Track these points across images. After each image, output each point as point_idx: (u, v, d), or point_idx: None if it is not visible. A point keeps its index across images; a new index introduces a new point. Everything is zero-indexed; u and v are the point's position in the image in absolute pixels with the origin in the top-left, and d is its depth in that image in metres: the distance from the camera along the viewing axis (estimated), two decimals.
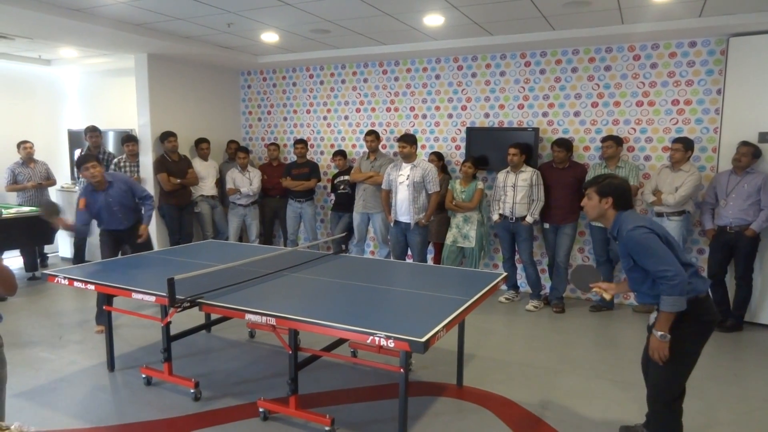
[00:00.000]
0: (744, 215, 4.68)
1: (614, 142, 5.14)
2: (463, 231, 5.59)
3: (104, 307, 3.81)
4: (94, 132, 6.37)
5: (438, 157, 6.04)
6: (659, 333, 2.45)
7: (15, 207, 6.26)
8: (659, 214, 5.04)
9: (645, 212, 5.48)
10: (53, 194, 7.15)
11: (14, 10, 4.38)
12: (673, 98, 5.32)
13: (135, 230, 4.66)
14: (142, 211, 4.75)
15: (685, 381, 2.58)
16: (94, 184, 4.45)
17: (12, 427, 0.81)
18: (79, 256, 6.46)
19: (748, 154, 4.66)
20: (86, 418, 3.20)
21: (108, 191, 4.50)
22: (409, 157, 5.30)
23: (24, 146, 6.53)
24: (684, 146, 4.89)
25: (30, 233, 6.00)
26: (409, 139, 5.28)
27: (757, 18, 4.53)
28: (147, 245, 4.77)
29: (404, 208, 5.34)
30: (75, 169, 6.69)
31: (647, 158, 5.47)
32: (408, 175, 5.28)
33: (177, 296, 2.97)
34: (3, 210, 5.80)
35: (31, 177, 6.56)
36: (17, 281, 2.01)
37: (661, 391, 2.58)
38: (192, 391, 3.44)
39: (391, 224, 5.54)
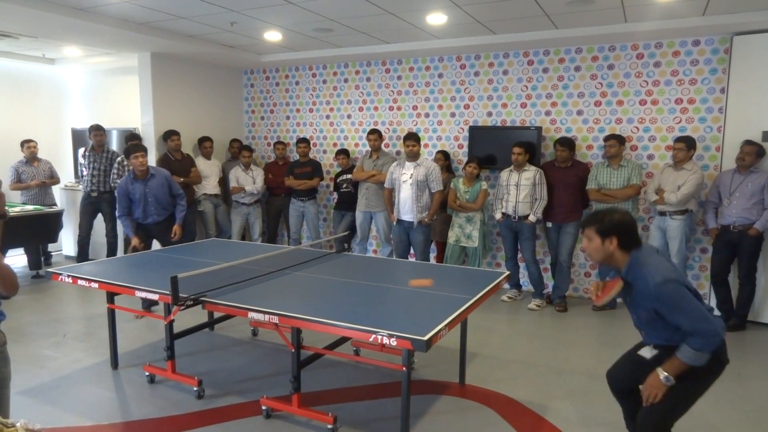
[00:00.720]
0: (747, 214, 4.67)
1: (617, 141, 5.14)
2: (466, 231, 5.59)
3: (107, 305, 3.83)
4: (98, 131, 6.38)
5: (444, 156, 6.04)
6: (665, 375, 2.26)
7: (19, 205, 6.29)
8: (662, 213, 5.03)
9: (648, 211, 5.47)
10: (57, 192, 7.17)
11: (19, 9, 4.40)
12: (677, 97, 5.31)
13: (165, 226, 4.92)
14: (176, 211, 4.99)
15: (680, 415, 2.38)
16: (138, 173, 4.74)
17: (17, 424, 0.81)
18: (82, 254, 6.48)
19: (751, 153, 4.65)
20: (90, 416, 3.21)
21: (148, 182, 4.78)
22: (415, 156, 5.31)
23: (28, 145, 6.56)
24: (686, 145, 4.88)
25: (34, 232, 6.03)
26: (417, 138, 5.34)
27: (760, 16, 4.52)
28: (181, 240, 4.98)
29: (407, 206, 5.35)
30: (80, 167, 6.69)
31: (650, 157, 5.46)
32: (411, 174, 5.29)
33: (180, 294, 2.98)
34: (9, 209, 5.82)
35: (34, 176, 6.58)
36: (18, 280, 2.02)
37: (658, 423, 2.37)
38: (195, 389, 3.45)
39: (394, 223, 5.54)
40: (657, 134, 5.42)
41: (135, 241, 4.81)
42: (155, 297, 3.20)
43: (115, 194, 6.24)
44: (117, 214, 4.91)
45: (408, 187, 5.30)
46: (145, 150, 4.83)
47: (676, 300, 2.19)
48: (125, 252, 5.95)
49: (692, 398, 2.35)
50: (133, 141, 6.24)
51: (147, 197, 4.80)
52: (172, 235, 4.91)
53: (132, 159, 4.72)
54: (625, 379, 2.64)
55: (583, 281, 5.87)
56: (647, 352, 2.48)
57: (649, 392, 2.32)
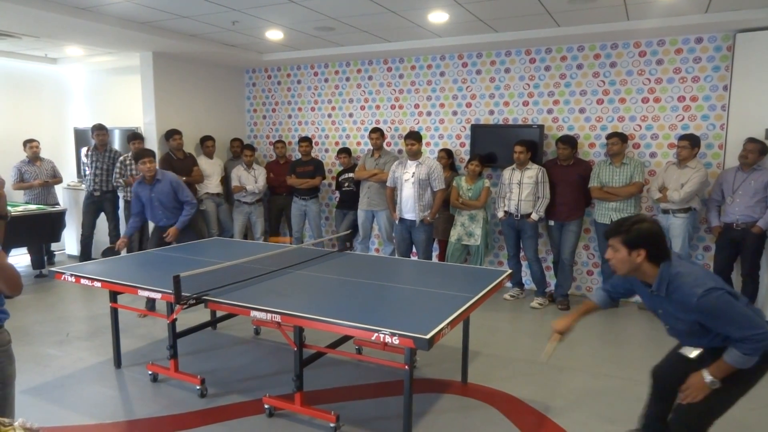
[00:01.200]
0: (750, 212, 4.66)
1: (619, 138, 5.13)
2: (469, 229, 5.59)
3: (110, 305, 3.84)
4: (101, 130, 6.40)
5: (448, 155, 6.03)
6: (710, 378, 2.17)
7: (22, 205, 6.30)
8: (665, 211, 5.02)
9: (650, 209, 5.46)
10: (60, 192, 7.19)
11: (21, 8, 4.40)
12: (679, 95, 5.29)
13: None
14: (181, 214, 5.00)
15: (713, 421, 2.29)
16: (145, 178, 4.84)
17: (15, 423, 0.81)
18: (85, 253, 6.50)
19: (754, 151, 4.63)
20: (93, 415, 3.22)
21: (154, 187, 4.84)
22: (416, 155, 5.31)
23: (30, 145, 6.57)
24: (691, 143, 4.87)
25: (37, 231, 6.04)
26: (417, 137, 5.32)
27: (763, 13, 4.50)
28: (184, 239, 4.97)
29: (409, 205, 5.34)
30: (83, 167, 6.72)
31: (653, 155, 5.45)
32: (413, 173, 5.29)
33: (183, 293, 2.98)
34: (12, 209, 5.83)
35: (37, 175, 6.59)
36: (22, 280, 2.02)
37: (693, 425, 2.29)
38: (198, 387, 3.46)
39: (396, 221, 5.54)
40: (659, 132, 5.41)
41: (121, 242, 4.84)
42: (158, 296, 3.20)
43: (118, 193, 6.31)
44: (132, 211, 5.04)
45: (410, 185, 5.29)
46: (152, 155, 4.89)
47: (722, 309, 2.08)
48: (110, 244, 6.14)
49: (733, 400, 2.24)
50: (135, 140, 6.27)
51: (153, 201, 4.86)
52: (165, 234, 4.87)
53: (139, 164, 4.79)
54: (669, 377, 2.52)
55: (586, 279, 5.86)
56: (690, 351, 2.37)
57: (689, 393, 2.21)
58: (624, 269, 2.23)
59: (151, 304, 4.72)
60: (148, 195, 4.85)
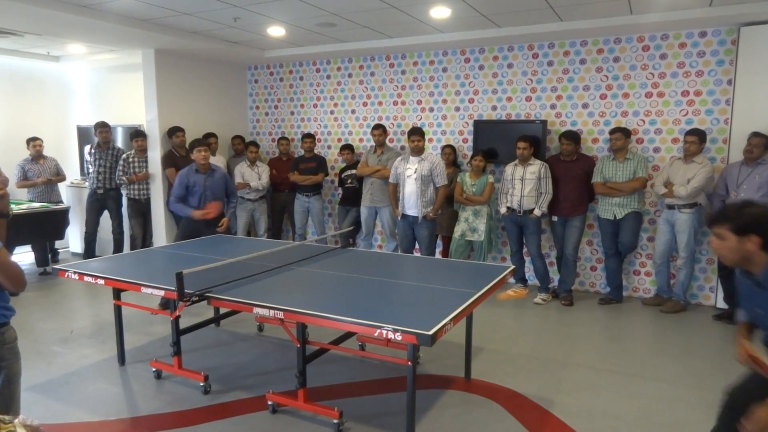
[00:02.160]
0: None
1: (622, 134, 5.10)
2: (473, 224, 5.58)
3: (114, 302, 3.85)
4: (104, 128, 6.42)
5: (452, 150, 6.02)
6: None
7: (26, 203, 6.32)
8: (671, 207, 5.00)
9: (654, 204, 5.44)
10: (63, 190, 7.21)
11: (24, 6, 4.40)
12: (683, 89, 5.26)
13: (211, 221, 4.97)
14: (227, 205, 5.16)
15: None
16: (200, 167, 4.89)
17: (15, 421, 0.81)
18: (89, 251, 6.52)
19: (759, 145, 4.61)
20: (97, 411, 3.23)
21: (209, 176, 4.92)
22: (420, 151, 5.29)
23: (33, 143, 6.58)
24: (699, 138, 4.85)
25: (41, 229, 6.06)
26: (422, 133, 5.31)
27: None
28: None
29: (412, 201, 5.34)
30: (86, 165, 6.73)
31: (656, 150, 5.42)
32: (416, 169, 5.28)
33: (186, 290, 2.99)
34: (15, 207, 5.85)
35: (41, 173, 6.61)
36: (26, 277, 2.03)
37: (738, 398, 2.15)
38: (201, 384, 3.47)
39: (399, 218, 5.54)
40: (663, 127, 5.38)
41: (199, 213, 4.84)
42: (161, 293, 3.21)
43: (122, 190, 6.29)
44: (171, 201, 5.01)
45: (412, 181, 5.29)
46: (207, 144, 4.98)
47: None
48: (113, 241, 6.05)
49: None
50: (137, 138, 6.28)
51: (206, 191, 4.91)
52: (220, 225, 5.01)
53: (195, 153, 4.86)
54: (743, 395, 2.21)
55: (589, 275, 5.85)
56: None
57: (754, 426, 1.94)
58: (732, 258, 2.04)
59: (164, 301, 4.66)
60: (203, 184, 4.90)
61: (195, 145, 4.93)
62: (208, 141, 5.10)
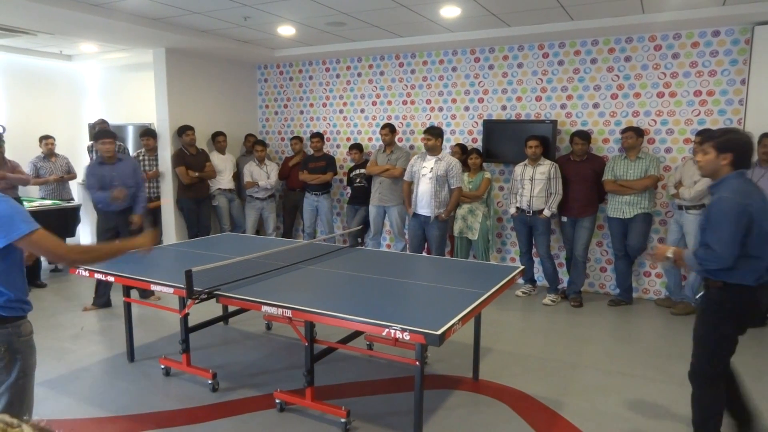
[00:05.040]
0: None
1: (634, 132, 5.06)
2: (468, 222, 5.57)
3: (123, 299, 3.88)
4: (103, 123, 6.51)
5: (462, 150, 6.00)
6: (669, 253, 2.63)
7: (38, 200, 6.38)
8: (680, 207, 4.95)
9: (666, 205, 5.39)
10: (74, 187, 7.26)
11: (37, 6, 4.45)
12: (696, 89, 5.21)
13: (126, 217, 4.91)
14: (137, 199, 5.01)
15: (717, 364, 2.58)
16: (105, 158, 4.78)
17: (23, 426, 0.81)
18: None
19: None
20: (107, 407, 3.26)
21: (115, 166, 4.80)
22: (434, 150, 5.27)
23: (45, 141, 6.64)
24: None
25: (52, 226, 6.05)
26: (433, 132, 5.25)
27: None
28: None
29: (425, 201, 5.32)
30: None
31: (668, 150, 5.37)
32: (432, 168, 5.25)
33: (195, 288, 3.00)
34: (27, 203, 5.91)
35: (52, 171, 6.66)
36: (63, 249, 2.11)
37: (695, 367, 2.64)
38: (210, 381, 3.48)
39: (411, 216, 5.52)
40: (675, 127, 5.33)
41: (117, 192, 4.74)
42: (170, 291, 3.22)
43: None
44: (88, 188, 4.88)
45: (427, 181, 5.26)
46: (114, 136, 4.89)
47: (719, 217, 2.37)
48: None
49: (708, 344, 2.59)
50: (147, 136, 6.33)
51: (113, 182, 4.78)
52: (130, 222, 4.90)
53: (99, 144, 4.77)
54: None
55: (599, 276, 5.81)
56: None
57: (653, 255, 2.80)
58: (709, 170, 2.52)
59: (143, 292, 4.76)
60: (109, 175, 4.76)
61: (99, 137, 4.82)
62: (113, 132, 5.02)
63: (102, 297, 5.10)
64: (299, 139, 6.95)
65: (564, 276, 5.73)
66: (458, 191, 5.31)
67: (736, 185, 2.41)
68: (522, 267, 3.74)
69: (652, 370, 3.86)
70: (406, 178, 5.54)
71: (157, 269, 3.69)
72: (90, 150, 6.58)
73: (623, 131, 5.15)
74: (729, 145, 2.43)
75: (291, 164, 6.86)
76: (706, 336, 2.56)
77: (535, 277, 5.82)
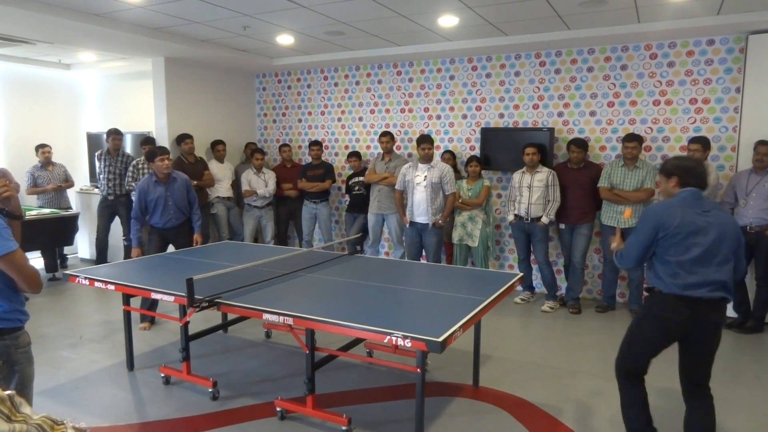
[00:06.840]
0: (764, 215, 4.61)
1: (638, 143, 5.01)
2: (468, 229, 5.59)
3: (123, 307, 3.87)
4: (116, 135, 6.48)
5: (452, 156, 6.04)
6: (612, 246, 2.94)
7: (35, 209, 6.37)
8: None
9: None
10: (72, 196, 7.26)
11: (36, 15, 4.47)
12: (691, 97, 5.26)
13: (181, 230, 4.88)
14: (193, 218, 4.97)
15: (631, 359, 2.79)
16: (160, 176, 4.70)
17: (66, 421, 0.82)
18: (101, 256, 6.56)
19: None
20: (106, 417, 3.25)
21: (169, 186, 4.74)
22: (430, 159, 5.31)
23: (42, 150, 6.65)
24: (702, 146, 4.81)
25: (50, 235, 6.11)
26: (432, 141, 5.35)
27: None
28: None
29: (422, 209, 5.34)
30: (96, 171, 6.77)
31: (664, 158, 5.41)
32: (426, 176, 5.28)
33: (195, 296, 3.00)
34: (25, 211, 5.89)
35: (50, 180, 6.67)
36: (41, 278, 2.05)
37: (616, 360, 2.86)
38: (210, 390, 3.48)
39: (407, 225, 5.54)
40: (671, 135, 5.38)
41: (136, 252, 4.70)
42: (171, 299, 3.22)
43: (132, 196, 6.30)
44: (132, 215, 4.77)
45: (422, 189, 5.29)
46: (168, 152, 4.78)
47: (638, 226, 2.69)
48: (124, 258, 5.95)
49: (631, 339, 2.81)
50: (147, 145, 6.32)
51: (167, 201, 4.73)
52: (195, 243, 4.88)
53: (157, 161, 4.64)
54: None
55: (597, 283, 5.83)
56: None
57: (614, 247, 2.90)
58: (663, 194, 2.76)
59: (147, 305, 4.61)
60: (164, 194, 4.70)
61: (157, 153, 4.66)
62: (167, 149, 4.91)
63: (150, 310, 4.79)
64: (288, 146, 6.95)
65: (562, 283, 5.75)
66: (453, 197, 5.34)
67: (675, 199, 2.62)
68: (521, 274, 3.76)
69: (652, 376, 3.86)
70: (397, 187, 5.56)
71: (158, 278, 3.69)
72: (99, 159, 6.49)
73: (628, 140, 5.04)
74: (673, 170, 2.66)
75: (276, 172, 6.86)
76: (629, 330, 2.78)
77: (534, 284, 5.83)
